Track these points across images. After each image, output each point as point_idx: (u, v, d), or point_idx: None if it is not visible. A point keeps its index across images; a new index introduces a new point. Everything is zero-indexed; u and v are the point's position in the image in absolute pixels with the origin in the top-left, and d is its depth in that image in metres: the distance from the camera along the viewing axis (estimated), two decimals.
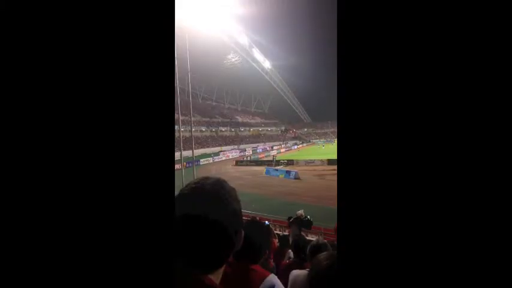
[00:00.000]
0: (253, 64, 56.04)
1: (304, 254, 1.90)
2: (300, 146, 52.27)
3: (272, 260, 2.41)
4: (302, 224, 2.99)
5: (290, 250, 2.95)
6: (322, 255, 0.96)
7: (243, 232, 0.63)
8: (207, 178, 0.63)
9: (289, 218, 3.07)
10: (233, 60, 52.71)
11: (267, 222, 3.71)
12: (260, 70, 58.90)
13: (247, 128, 58.19)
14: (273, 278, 1.17)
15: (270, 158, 28.65)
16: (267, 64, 59.81)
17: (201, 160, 29.70)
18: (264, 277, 1.15)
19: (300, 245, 2.13)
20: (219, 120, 54.13)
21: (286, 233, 5.95)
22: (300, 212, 3.10)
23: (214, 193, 0.59)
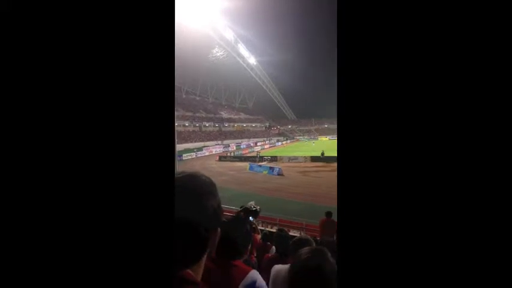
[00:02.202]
0: (239, 59, 55.71)
1: (286, 249, 1.92)
2: (285, 142, 52.62)
3: (254, 256, 2.42)
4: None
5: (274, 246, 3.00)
6: (304, 249, 0.97)
7: (218, 230, 0.60)
8: (179, 173, 0.61)
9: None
10: (218, 54, 52.17)
11: (250, 218, 3.72)
12: (245, 66, 58.64)
13: (232, 124, 57.96)
14: (254, 273, 1.17)
15: (254, 154, 28.70)
16: (252, 60, 59.60)
17: (184, 155, 29.31)
18: (246, 273, 1.15)
19: (282, 241, 2.15)
20: (203, 115, 53.57)
21: (269, 229, 5.99)
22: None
23: (180, 188, 0.57)
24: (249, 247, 1.40)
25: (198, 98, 60.72)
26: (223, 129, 53.99)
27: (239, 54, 55.53)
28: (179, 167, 13.61)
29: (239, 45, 54.32)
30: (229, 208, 6.90)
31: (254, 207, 3.21)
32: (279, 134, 62.78)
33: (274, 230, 5.23)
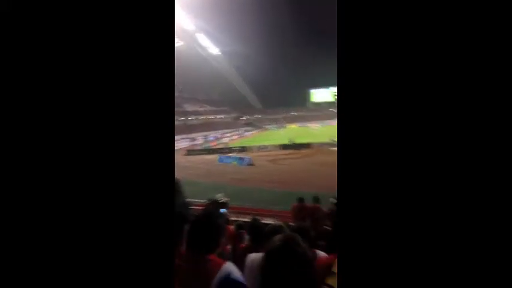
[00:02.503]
0: (199, 50, 54.50)
1: (261, 238, 1.93)
2: (253, 132, 52.87)
3: (229, 247, 2.43)
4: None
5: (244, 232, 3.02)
6: (276, 237, 0.97)
7: (185, 227, 0.60)
8: None
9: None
10: (177, 45, 50.59)
11: (222, 209, 3.72)
12: (207, 56, 57.56)
13: (197, 117, 56.95)
14: (229, 265, 1.16)
15: (222, 146, 28.56)
16: (214, 50, 58.61)
17: None
18: (220, 266, 1.14)
19: (256, 230, 2.16)
20: None
21: (242, 219, 6.03)
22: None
23: None
24: (223, 239, 1.39)
25: None
26: (188, 122, 52.92)
27: (199, 45, 54.31)
28: None
29: (199, 35, 53.09)
30: (201, 202, 6.84)
31: (222, 199, 3.24)
32: (247, 124, 62.92)
33: (248, 220, 5.28)
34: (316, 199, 5.26)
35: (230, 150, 25.32)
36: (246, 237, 2.88)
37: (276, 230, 1.71)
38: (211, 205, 3.14)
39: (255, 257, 1.50)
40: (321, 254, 1.89)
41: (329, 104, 68.36)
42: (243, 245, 2.42)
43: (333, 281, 1.07)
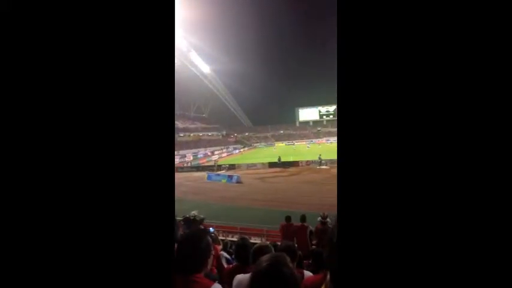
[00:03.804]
0: (192, 68, 54.98)
1: (248, 258, 1.92)
2: (242, 150, 52.76)
3: (214, 267, 2.39)
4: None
5: (223, 252, 2.97)
6: (264, 257, 0.98)
7: (175, 246, 0.61)
8: None
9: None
10: None
11: (211, 228, 3.66)
12: (199, 74, 58.03)
13: (187, 133, 56.60)
14: (216, 287, 1.16)
15: (212, 163, 28.34)
16: (206, 68, 59.22)
17: None
18: (208, 287, 1.14)
19: (243, 250, 2.15)
20: None
21: (230, 238, 5.94)
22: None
23: None
24: (210, 259, 1.38)
25: None
26: (178, 139, 52.49)
27: (192, 63, 54.82)
28: None
29: (192, 53, 53.67)
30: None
31: (193, 216, 3.16)
32: (236, 142, 62.81)
33: (235, 239, 5.20)
34: (303, 218, 5.25)
35: (219, 167, 25.11)
36: (224, 256, 2.84)
37: (261, 250, 1.71)
38: (183, 222, 3.06)
39: (242, 278, 1.49)
40: (308, 273, 1.89)
41: (315, 122, 69.20)
42: (230, 266, 2.38)
43: None
